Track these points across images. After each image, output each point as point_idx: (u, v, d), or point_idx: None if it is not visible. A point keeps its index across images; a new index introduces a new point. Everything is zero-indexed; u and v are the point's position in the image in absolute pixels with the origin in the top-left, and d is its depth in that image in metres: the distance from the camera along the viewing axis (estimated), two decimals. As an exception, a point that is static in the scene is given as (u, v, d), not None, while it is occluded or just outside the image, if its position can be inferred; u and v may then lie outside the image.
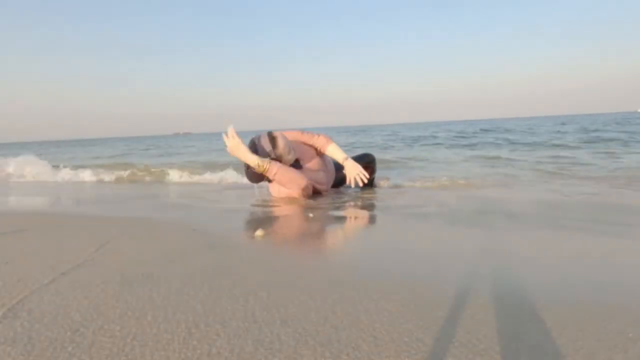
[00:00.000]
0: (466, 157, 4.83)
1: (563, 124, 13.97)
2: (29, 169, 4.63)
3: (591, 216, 1.65)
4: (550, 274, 0.97)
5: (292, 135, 2.43)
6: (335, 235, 1.49)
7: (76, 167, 4.73)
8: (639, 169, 3.21)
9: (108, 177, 4.17)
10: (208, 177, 3.69)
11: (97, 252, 1.23)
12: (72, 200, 2.74)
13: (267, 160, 2.13)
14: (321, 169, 2.40)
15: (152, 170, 4.34)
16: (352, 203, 2.12)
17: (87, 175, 4.26)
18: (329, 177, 2.50)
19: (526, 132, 9.77)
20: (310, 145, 2.43)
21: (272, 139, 2.17)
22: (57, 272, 1.05)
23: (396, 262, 1.09)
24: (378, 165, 2.85)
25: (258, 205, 2.14)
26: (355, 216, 1.81)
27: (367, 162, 2.63)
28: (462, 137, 9.17)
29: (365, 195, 2.35)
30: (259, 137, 2.22)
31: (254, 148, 2.20)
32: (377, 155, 2.96)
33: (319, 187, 2.38)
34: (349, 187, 2.47)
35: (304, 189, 2.18)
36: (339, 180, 2.59)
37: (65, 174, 4.40)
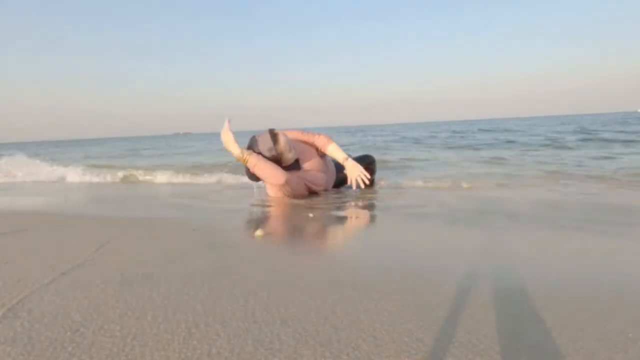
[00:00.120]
0: (466, 157, 4.83)
1: (563, 124, 13.98)
2: (24, 169, 4.62)
3: (591, 216, 1.65)
4: (550, 274, 0.97)
5: (293, 135, 2.43)
6: (335, 235, 1.49)
7: (67, 165, 4.72)
8: (639, 169, 3.21)
9: (101, 178, 4.16)
10: (204, 178, 3.69)
11: (97, 252, 1.23)
12: (72, 201, 2.74)
13: (248, 151, 2.16)
14: (320, 169, 2.39)
15: (147, 171, 4.33)
16: (352, 203, 2.12)
17: (79, 176, 4.26)
18: (328, 178, 2.49)
19: (526, 132, 9.77)
20: (311, 145, 2.42)
21: (274, 135, 2.17)
22: (57, 272, 1.05)
23: (396, 262, 1.09)
24: (378, 166, 2.85)
25: (258, 205, 2.14)
26: (355, 216, 1.81)
27: (367, 163, 2.62)
28: (462, 137, 9.17)
29: (365, 195, 2.34)
30: (259, 134, 2.22)
31: (253, 144, 2.20)
32: (377, 155, 2.96)
33: (314, 187, 2.37)
34: (350, 187, 2.46)
35: (282, 186, 2.16)
36: (340, 181, 2.59)
37: (57, 173, 4.41)
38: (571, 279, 0.94)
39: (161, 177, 3.90)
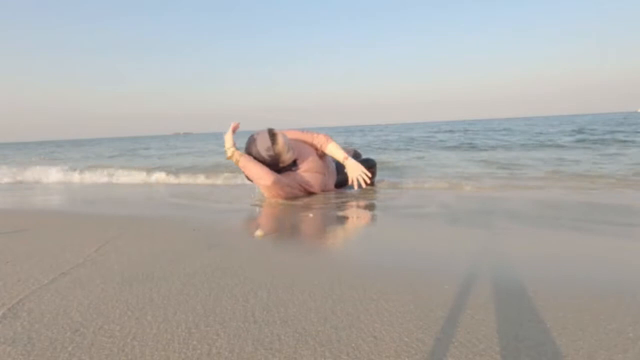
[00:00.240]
0: (466, 157, 4.83)
1: (562, 123, 13.98)
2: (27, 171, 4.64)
3: (591, 216, 1.65)
4: (550, 274, 0.97)
5: (292, 134, 2.42)
6: (335, 235, 1.49)
7: (67, 165, 4.73)
8: (638, 168, 3.21)
9: (101, 178, 4.16)
10: (204, 179, 3.70)
11: (97, 252, 1.23)
12: (72, 201, 2.74)
13: (238, 152, 2.19)
14: (318, 170, 2.38)
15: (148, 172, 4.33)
16: (351, 203, 2.12)
17: (79, 176, 4.28)
18: (327, 179, 2.48)
19: (525, 132, 9.77)
20: (311, 145, 2.42)
21: (272, 135, 2.16)
22: (57, 272, 1.05)
23: (396, 262, 1.09)
24: (378, 166, 2.85)
25: (258, 205, 2.14)
26: (355, 216, 1.81)
27: (368, 167, 2.62)
28: (462, 137, 9.17)
29: (365, 196, 2.34)
30: (258, 133, 2.22)
31: (251, 142, 2.20)
32: (377, 155, 2.96)
33: (311, 190, 2.36)
34: (351, 187, 2.46)
35: (270, 187, 2.16)
36: (342, 182, 2.58)
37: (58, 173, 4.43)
38: (571, 279, 0.94)
39: (161, 178, 3.91)
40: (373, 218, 1.80)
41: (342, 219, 1.75)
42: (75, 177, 4.32)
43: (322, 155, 2.43)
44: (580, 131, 8.78)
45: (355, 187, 2.33)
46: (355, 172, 2.32)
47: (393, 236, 1.45)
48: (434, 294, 0.85)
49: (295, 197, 2.27)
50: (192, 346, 0.66)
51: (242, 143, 2.32)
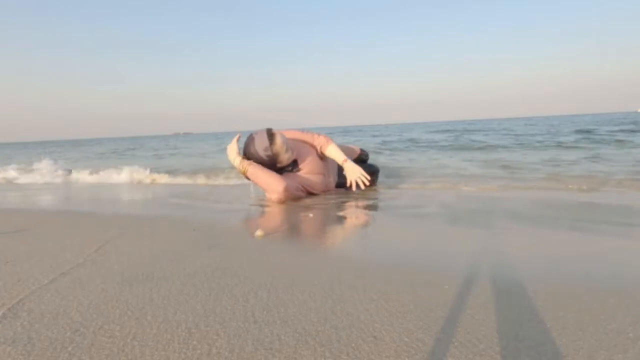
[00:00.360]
0: (466, 157, 4.83)
1: (562, 123, 13.98)
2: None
3: (591, 216, 1.65)
4: (550, 274, 0.97)
5: (292, 134, 2.42)
6: (335, 235, 1.49)
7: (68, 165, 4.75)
8: (638, 168, 3.21)
9: (101, 178, 4.16)
10: (204, 179, 3.71)
11: (97, 252, 1.23)
12: (72, 201, 2.74)
13: (247, 162, 2.19)
14: (320, 172, 2.37)
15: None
16: (351, 203, 2.12)
17: (79, 176, 4.30)
18: (328, 180, 2.48)
19: (525, 132, 9.77)
20: (311, 145, 2.41)
21: (271, 135, 2.15)
22: (57, 272, 1.05)
23: (396, 262, 1.09)
24: (378, 166, 2.85)
25: (258, 205, 2.14)
26: (355, 216, 1.81)
27: (369, 172, 2.61)
28: (462, 137, 9.17)
29: (365, 196, 2.34)
30: (257, 132, 2.21)
31: (250, 142, 2.20)
32: (376, 155, 2.96)
33: (312, 191, 2.37)
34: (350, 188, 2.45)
35: (280, 194, 2.15)
36: (343, 183, 2.57)
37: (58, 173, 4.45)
38: (571, 279, 0.94)
39: (160, 179, 3.91)
40: (373, 218, 1.80)
41: (342, 219, 1.75)
42: (76, 177, 4.33)
43: (322, 156, 2.42)
44: (579, 131, 8.78)
45: (354, 188, 2.31)
46: (354, 174, 2.30)
47: (393, 236, 1.45)
48: (434, 294, 0.85)
49: (299, 199, 2.27)
50: (192, 346, 0.66)
51: (242, 144, 2.32)
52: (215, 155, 7.43)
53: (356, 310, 0.78)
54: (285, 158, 2.19)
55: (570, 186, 2.52)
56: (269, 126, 2.26)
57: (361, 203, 2.12)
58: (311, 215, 1.78)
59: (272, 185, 2.14)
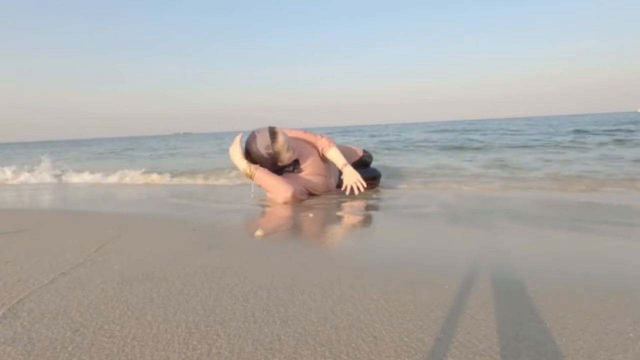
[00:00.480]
0: (466, 157, 4.83)
1: (561, 123, 13.98)
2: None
3: (591, 216, 1.65)
4: (550, 274, 0.97)
5: (295, 134, 2.41)
6: (335, 235, 1.49)
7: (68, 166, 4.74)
8: (639, 168, 3.21)
9: (101, 179, 4.17)
10: (204, 179, 3.72)
11: (97, 252, 1.23)
12: (72, 201, 2.74)
13: (254, 166, 2.16)
14: (322, 173, 2.37)
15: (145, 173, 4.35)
16: (352, 203, 2.12)
17: (79, 176, 4.31)
18: (330, 182, 2.48)
19: (525, 132, 9.77)
20: (313, 146, 2.41)
21: (273, 134, 2.14)
22: (57, 272, 1.05)
23: (396, 262, 1.09)
24: (377, 166, 2.85)
25: (258, 205, 2.14)
26: (355, 216, 1.81)
27: (372, 177, 2.60)
28: (462, 137, 9.17)
29: (365, 196, 2.34)
30: (259, 130, 2.19)
31: (251, 139, 2.18)
32: (376, 156, 2.95)
33: (313, 192, 2.37)
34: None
35: (287, 200, 2.14)
36: (342, 185, 2.57)
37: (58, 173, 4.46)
38: (571, 279, 0.94)
39: (159, 179, 3.92)
40: (373, 218, 1.80)
41: (342, 219, 1.75)
42: (76, 177, 4.33)
43: (324, 158, 2.42)
44: (579, 131, 8.79)
45: (347, 193, 2.30)
46: (351, 180, 2.29)
47: (393, 236, 1.45)
48: (434, 294, 0.85)
49: (301, 200, 2.27)
50: (192, 346, 0.66)
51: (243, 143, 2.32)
52: (214, 156, 7.43)
53: (356, 310, 0.78)
54: (286, 157, 2.19)
55: (570, 186, 2.52)
56: (270, 125, 2.23)
57: (361, 203, 2.12)
58: (311, 215, 1.78)
59: (279, 191, 2.14)
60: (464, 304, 0.79)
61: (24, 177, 4.46)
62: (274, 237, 1.40)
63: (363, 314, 0.76)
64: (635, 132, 7.50)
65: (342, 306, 0.80)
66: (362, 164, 2.66)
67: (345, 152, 2.53)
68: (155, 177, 3.95)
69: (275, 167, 2.22)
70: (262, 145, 2.14)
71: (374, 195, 2.37)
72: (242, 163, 2.18)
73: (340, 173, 2.44)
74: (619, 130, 8.25)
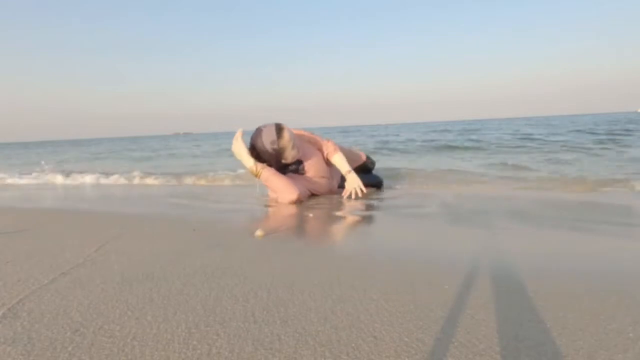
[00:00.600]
0: (465, 158, 4.83)
1: (561, 123, 13.98)
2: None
3: (591, 216, 1.65)
4: (550, 274, 0.97)
5: (300, 133, 2.40)
6: (335, 235, 1.49)
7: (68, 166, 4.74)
8: (638, 168, 3.21)
9: (100, 179, 4.17)
10: (204, 179, 3.71)
11: (97, 252, 1.23)
12: (72, 200, 2.74)
13: (261, 164, 2.15)
14: (325, 175, 2.37)
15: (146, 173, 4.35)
16: (352, 203, 2.12)
17: (79, 177, 4.32)
18: (332, 184, 2.48)
19: (525, 132, 9.77)
20: (318, 148, 2.40)
21: (279, 130, 2.13)
22: (57, 272, 1.05)
23: (396, 262, 1.09)
24: (378, 166, 2.85)
25: (258, 205, 2.14)
26: (355, 216, 1.81)
27: (373, 183, 2.60)
28: (462, 137, 9.17)
29: (365, 196, 2.34)
30: (265, 125, 2.18)
31: (257, 135, 2.16)
32: (376, 156, 2.95)
33: (316, 193, 2.37)
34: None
35: (293, 202, 2.14)
36: (343, 186, 2.57)
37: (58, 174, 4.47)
38: (571, 279, 0.94)
39: (159, 179, 3.92)
40: (373, 218, 1.80)
41: (342, 219, 1.75)
42: (76, 177, 4.33)
43: (328, 161, 2.42)
44: (579, 131, 8.78)
45: (345, 197, 2.30)
46: (353, 185, 2.30)
47: (393, 236, 1.45)
48: (434, 294, 0.85)
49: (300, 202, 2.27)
50: (192, 346, 0.66)
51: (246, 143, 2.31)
52: (214, 156, 7.43)
53: (356, 310, 0.78)
54: (291, 155, 2.17)
55: (570, 186, 2.52)
56: (277, 122, 2.21)
57: (361, 203, 2.12)
58: (311, 215, 1.78)
59: (285, 192, 2.13)
60: (464, 304, 0.79)
61: (25, 178, 4.47)
62: (274, 237, 1.40)
63: (363, 314, 0.76)
64: (635, 132, 7.50)
65: (342, 306, 0.80)
66: (364, 169, 2.66)
67: (349, 155, 2.53)
68: (155, 177, 3.95)
69: (279, 164, 2.21)
70: (267, 140, 2.12)
71: (374, 195, 2.37)
72: (249, 161, 2.15)
73: (343, 178, 2.44)
74: (619, 130, 8.25)
